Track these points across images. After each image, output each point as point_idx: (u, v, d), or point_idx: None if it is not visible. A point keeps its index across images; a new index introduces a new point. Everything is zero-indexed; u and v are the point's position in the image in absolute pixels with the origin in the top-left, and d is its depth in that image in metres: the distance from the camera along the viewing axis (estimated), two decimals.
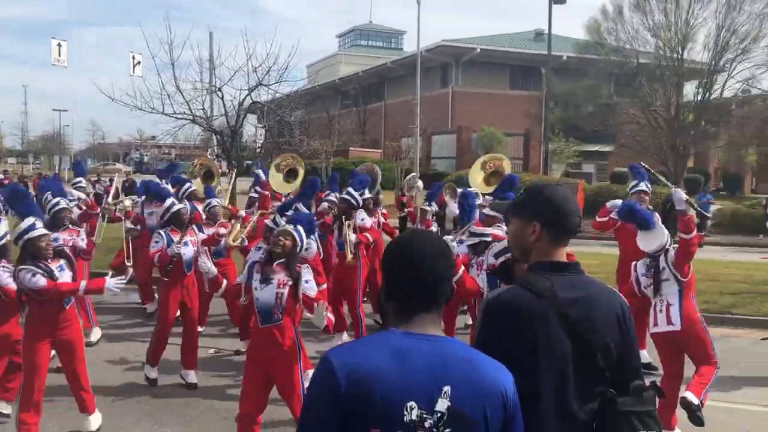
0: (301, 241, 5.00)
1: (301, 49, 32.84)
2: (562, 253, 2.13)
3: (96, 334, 7.95)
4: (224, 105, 15.13)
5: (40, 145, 70.00)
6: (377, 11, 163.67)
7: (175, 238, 6.62)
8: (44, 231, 5.13)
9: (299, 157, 11.60)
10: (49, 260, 5.08)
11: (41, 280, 4.91)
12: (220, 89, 15.09)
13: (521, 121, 34.93)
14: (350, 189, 8.04)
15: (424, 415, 1.65)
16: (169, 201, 7.05)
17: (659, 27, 26.75)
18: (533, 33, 43.60)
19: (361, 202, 8.15)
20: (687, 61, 26.75)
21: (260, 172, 10.06)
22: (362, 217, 8.11)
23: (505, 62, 41.34)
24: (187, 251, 6.61)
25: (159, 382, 6.50)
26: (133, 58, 18.71)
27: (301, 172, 10.68)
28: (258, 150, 20.97)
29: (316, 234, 6.53)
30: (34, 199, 6.54)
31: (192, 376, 6.55)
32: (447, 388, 1.67)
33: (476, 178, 9.61)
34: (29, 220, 5.10)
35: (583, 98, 30.27)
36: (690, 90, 28.44)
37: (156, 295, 8.30)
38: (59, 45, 20.60)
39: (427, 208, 9.04)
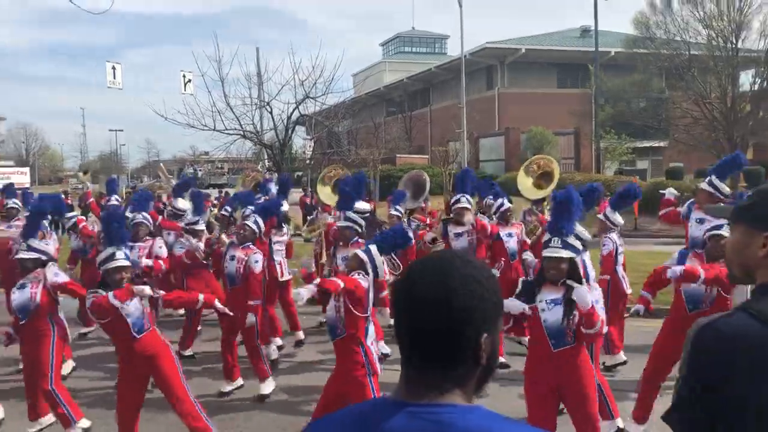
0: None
1: (346, 59, 33.10)
2: None
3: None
4: (273, 119, 15.38)
5: (98, 166, 72.44)
6: (419, 18, 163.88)
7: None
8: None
9: (346, 166, 11.66)
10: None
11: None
12: (268, 104, 15.33)
13: (571, 120, 34.41)
14: None
15: None
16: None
17: (711, 17, 26.00)
18: (579, 30, 43.09)
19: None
20: (742, 50, 25.93)
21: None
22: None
23: (551, 61, 40.85)
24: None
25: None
26: (184, 76, 19.24)
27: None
28: (308, 161, 21.23)
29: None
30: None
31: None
32: None
33: (525, 183, 9.40)
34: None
35: (634, 94, 29.65)
36: (746, 80, 27.56)
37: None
38: (113, 68, 21.33)
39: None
